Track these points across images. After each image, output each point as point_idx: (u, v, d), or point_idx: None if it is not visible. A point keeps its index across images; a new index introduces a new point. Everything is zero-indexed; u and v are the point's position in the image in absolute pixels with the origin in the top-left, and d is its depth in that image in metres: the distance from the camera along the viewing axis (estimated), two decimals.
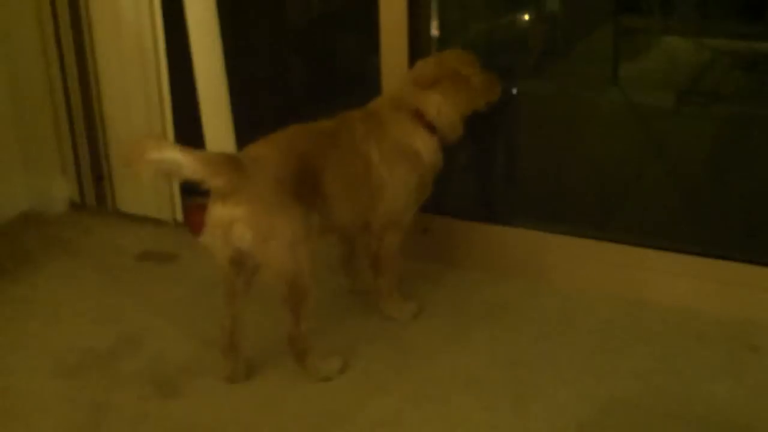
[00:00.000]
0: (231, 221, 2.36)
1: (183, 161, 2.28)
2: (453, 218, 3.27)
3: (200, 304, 2.96)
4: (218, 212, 2.38)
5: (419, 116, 2.72)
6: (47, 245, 3.48)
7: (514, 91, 3.38)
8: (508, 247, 3.17)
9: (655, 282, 2.96)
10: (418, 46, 3.15)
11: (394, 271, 2.85)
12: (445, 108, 2.73)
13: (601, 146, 3.46)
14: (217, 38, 3.19)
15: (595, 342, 2.77)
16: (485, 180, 3.60)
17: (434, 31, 3.36)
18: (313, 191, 2.47)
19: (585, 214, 3.32)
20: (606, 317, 2.91)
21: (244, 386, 2.52)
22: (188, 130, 3.35)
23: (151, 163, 2.27)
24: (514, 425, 2.41)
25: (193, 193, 2.85)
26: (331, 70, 3.87)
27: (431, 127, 2.74)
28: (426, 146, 2.73)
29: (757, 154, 3.22)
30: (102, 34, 3.38)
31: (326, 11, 3.98)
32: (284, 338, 2.53)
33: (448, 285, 3.13)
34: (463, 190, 3.55)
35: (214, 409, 2.47)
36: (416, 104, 2.73)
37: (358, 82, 3.65)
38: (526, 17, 3.65)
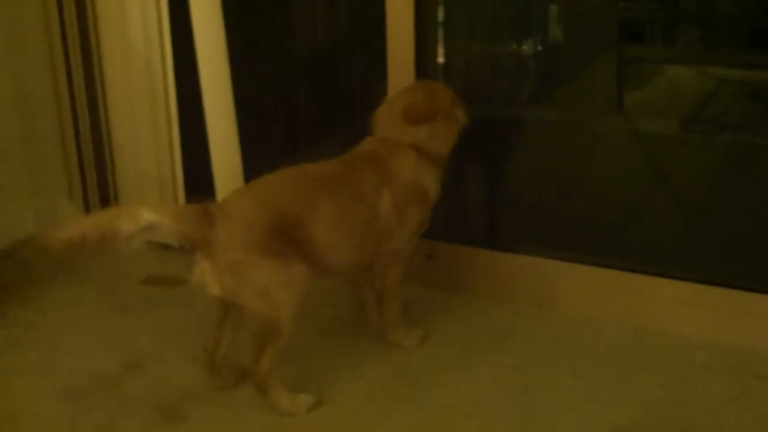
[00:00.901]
0: (202, 272, 2.40)
1: (160, 221, 2.31)
2: (458, 244, 3.28)
3: (206, 329, 2.95)
4: (197, 259, 2.42)
5: (420, 151, 2.69)
6: (53, 269, 3.48)
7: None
8: (513, 273, 3.17)
9: (661, 310, 2.96)
10: (424, 73, 3.17)
11: (398, 301, 2.84)
12: (436, 141, 2.72)
13: (606, 173, 3.46)
14: (225, 62, 3.20)
15: (601, 369, 2.77)
16: (490, 206, 3.61)
17: (440, 59, 3.38)
18: (293, 243, 2.43)
19: (590, 242, 3.32)
20: (612, 345, 2.91)
21: (249, 412, 2.51)
22: (195, 154, 3.37)
23: (129, 235, 2.28)
24: None
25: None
26: (338, 95, 3.89)
27: (432, 160, 2.72)
28: (432, 182, 2.72)
29: (761, 183, 3.23)
30: (111, 58, 3.40)
31: (333, 37, 4.00)
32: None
33: (453, 312, 3.13)
34: (468, 217, 3.55)
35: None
36: (411, 141, 2.69)
37: (365, 107, 3.67)
38: (530, 45, 3.67)
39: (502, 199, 3.61)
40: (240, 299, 2.42)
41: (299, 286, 2.44)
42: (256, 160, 3.34)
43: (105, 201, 3.63)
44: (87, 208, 3.68)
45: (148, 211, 2.31)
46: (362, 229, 2.59)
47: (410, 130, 2.70)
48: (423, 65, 3.16)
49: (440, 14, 3.33)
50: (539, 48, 3.68)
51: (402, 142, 2.69)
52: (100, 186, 3.62)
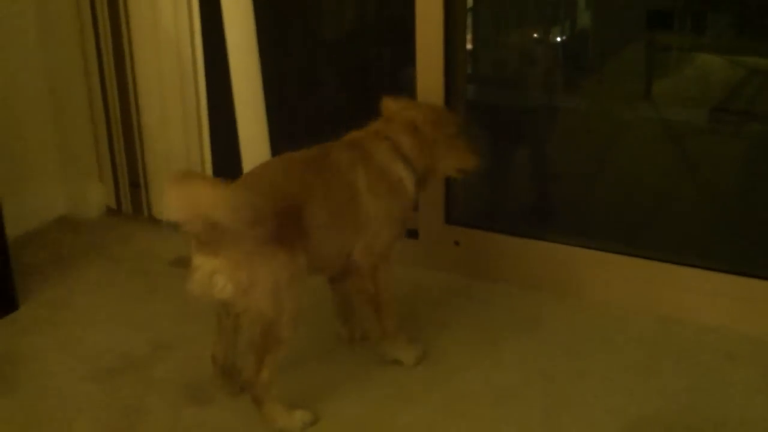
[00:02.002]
0: (211, 272, 2.28)
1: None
2: (484, 231, 3.28)
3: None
4: (198, 262, 2.29)
5: (397, 149, 2.63)
6: (84, 250, 3.53)
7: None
8: (540, 261, 3.18)
9: (687, 300, 2.96)
10: (453, 59, 3.17)
11: (394, 309, 2.70)
12: (416, 151, 2.64)
13: (633, 162, 3.46)
14: (254, 49, 3.22)
15: (627, 359, 2.78)
16: (517, 194, 3.62)
17: (468, 45, 3.38)
18: (296, 230, 2.38)
19: (618, 230, 3.32)
20: (637, 334, 2.91)
21: (279, 395, 2.50)
22: (224, 138, 3.39)
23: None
24: None
25: None
26: (366, 81, 3.89)
27: (408, 162, 2.64)
28: (407, 176, 2.64)
29: None
30: (141, 43, 3.42)
31: (362, 24, 4.01)
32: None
33: (479, 298, 3.14)
34: (495, 204, 3.56)
35: (246, 416, 2.48)
36: (393, 138, 2.63)
37: (393, 94, 3.68)
38: (559, 32, 3.66)
39: (529, 186, 3.62)
40: (248, 300, 2.31)
41: (299, 282, 2.37)
42: (284, 144, 3.35)
43: (135, 184, 3.66)
44: (117, 191, 3.72)
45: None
46: (345, 206, 2.52)
47: (394, 131, 2.64)
48: (452, 51, 3.16)
49: (469, 1, 3.33)
50: (568, 35, 3.67)
51: (381, 133, 2.64)
52: (129, 169, 3.65)
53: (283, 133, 3.43)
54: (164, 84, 3.42)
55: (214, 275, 2.28)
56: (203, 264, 2.28)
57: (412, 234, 3.20)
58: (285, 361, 2.44)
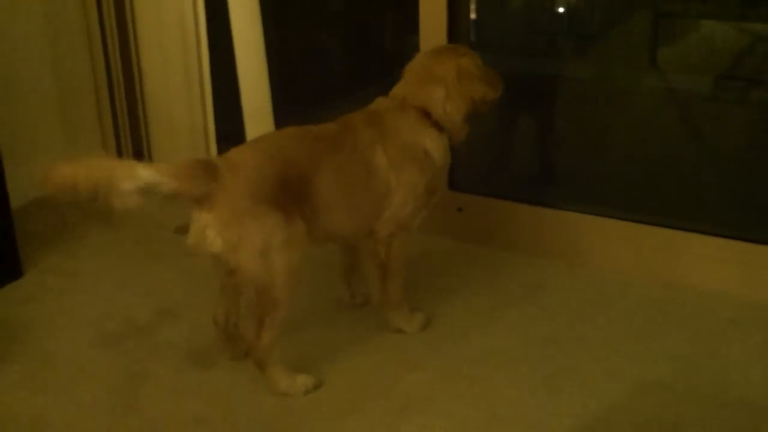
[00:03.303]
0: (204, 227, 2.30)
1: (160, 179, 2.20)
2: (488, 198, 3.28)
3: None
4: (195, 217, 2.32)
5: (426, 115, 2.59)
6: (88, 218, 3.53)
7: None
8: (543, 228, 3.18)
9: (691, 265, 2.96)
10: (457, 28, 3.16)
11: (401, 277, 2.69)
12: (449, 105, 2.59)
13: (638, 129, 3.45)
14: (257, 17, 3.21)
15: (629, 324, 2.78)
16: (521, 160, 3.61)
17: (472, 14, 3.37)
18: (297, 199, 2.36)
19: (621, 197, 3.32)
20: (640, 300, 2.92)
21: (281, 358, 2.51)
22: (227, 108, 3.39)
23: (127, 193, 2.17)
24: (546, 403, 2.42)
25: None
26: (370, 50, 3.88)
27: (438, 126, 2.60)
28: (435, 145, 2.59)
29: None
30: (144, 13, 3.41)
31: None
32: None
33: (483, 264, 3.15)
34: (498, 170, 3.56)
35: (251, 380, 2.50)
36: (421, 102, 2.59)
37: (396, 62, 3.67)
38: (564, 0, 3.64)
39: (532, 152, 3.61)
40: (238, 258, 2.31)
41: (297, 248, 2.36)
42: (287, 110, 3.36)
43: (138, 153, 3.66)
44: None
45: (145, 169, 2.21)
46: (360, 188, 2.50)
47: (422, 90, 2.60)
48: (456, 20, 3.15)
49: None
50: (572, 2, 3.66)
51: (408, 102, 2.60)
52: (133, 137, 3.65)
53: (286, 101, 3.43)
54: (167, 54, 3.41)
55: (206, 229, 2.30)
56: (198, 218, 2.31)
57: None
58: (287, 326, 2.45)
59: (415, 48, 3.16)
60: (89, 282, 3.10)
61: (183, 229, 2.35)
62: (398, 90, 2.65)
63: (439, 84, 2.59)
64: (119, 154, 3.72)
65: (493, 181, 3.34)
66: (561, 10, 3.65)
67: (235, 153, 2.40)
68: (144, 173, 2.19)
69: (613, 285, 3.00)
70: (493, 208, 3.26)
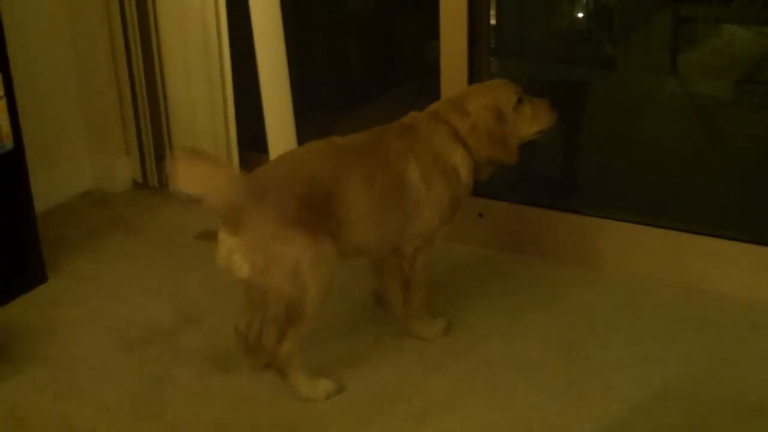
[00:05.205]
0: (230, 251, 2.31)
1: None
2: (508, 203, 3.28)
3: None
4: (221, 239, 2.34)
5: (456, 134, 2.59)
6: (111, 223, 3.56)
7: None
8: (564, 233, 3.18)
9: (712, 270, 2.95)
10: (477, 34, 3.17)
11: (424, 290, 2.69)
12: (473, 142, 2.59)
13: (658, 134, 3.45)
14: (279, 21, 3.22)
15: (651, 328, 2.78)
16: (542, 165, 3.61)
17: (492, 20, 3.37)
18: (325, 215, 2.36)
19: (641, 201, 3.32)
20: (661, 304, 2.91)
21: (303, 363, 2.51)
22: (249, 111, 3.41)
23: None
24: (567, 408, 2.43)
25: None
26: (390, 54, 3.90)
27: (467, 146, 2.60)
28: (464, 163, 2.59)
29: None
30: (167, 17, 3.43)
31: None
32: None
33: (503, 269, 3.15)
34: (518, 176, 3.56)
35: (273, 384, 2.51)
36: (451, 122, 2.59)
37: (417, 68, 3.69)
38: (584, 5, 3.65)
39: (553, 158, 3.61)
40: (268, 280, 2.34)
41: (328, 266, 2.36)
42: (309, 117, 3.37)
43: (161, 158, 3.68)
44: (143, 165, 3.74)
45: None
46: (391, 198, 2.49)
47: (455, 114, 2.60)
48: (476, 25, 3.15)
49: None
50: (593, 8, 3.66)
51: (440, 116, 2.61)
52: (155, 143, 3.67)
53: (308, 107, 3.45)
54: (190, 58, 3.43)
55: (232, 254, 2.31)
56: (224, 241, 2.33)
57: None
58: (309, 332, 2.46)
59: (436, 53, 3.18)
60: (113, 287, 3.12)
61: (206, 236, 2.37)
62: (433, 106, 2.67)
63: (470, 118, 2.59)
64: (142, 160, 3.74)
65: (514, 187, 3.34)
66: (580, 15, 3.66)
67: (259, 174, 2.41)
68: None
69: (634, 290, 2.99)
70: (514, 213, 3.26)
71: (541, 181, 3.58)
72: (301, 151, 2.57)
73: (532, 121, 2.67)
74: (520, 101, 2.65)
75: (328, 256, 2.36)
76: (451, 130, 2.58)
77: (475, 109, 2.60)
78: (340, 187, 2.40)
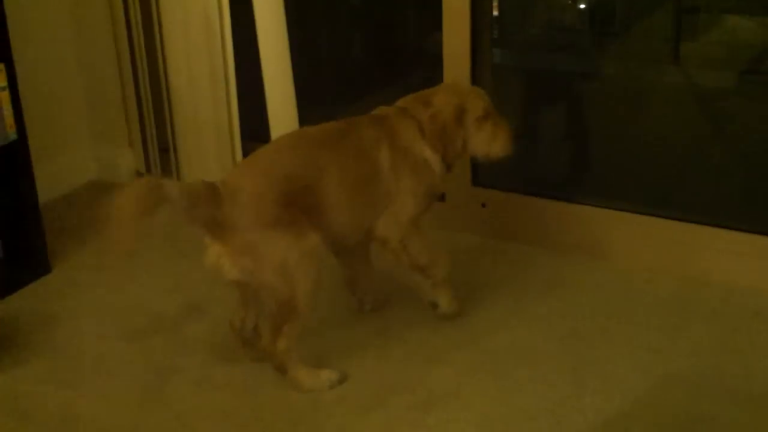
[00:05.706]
0: (217, 256, 2.35)
1: (171, 193, 2.27)
2: (511, 193, 3.29)
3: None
4: (207, 243, 2.37)
5: (422, 129, 2.58)
6: None
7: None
8: (567, 223, 3.18)
9: (715, 260, 2.95)
10: (479, 25, 3.16)
11: (441, 263, 2.68)
12: (434, 140, 2.58)
13: (661, 125, 3.45)
14: (281, 11, 3.22)
15: (653, 318, 2.78)
16: (544, 155, 3.62)
17: (495, 11, 3.37)
18: (305, 209, 2.38)
19: (644, 191, 3.32)
20: (665, 294, 2.92)
21: (306, 354, 2.53)
22: (252, 101, 3.41)
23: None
24: (571, 397, 2.43)
25: None
26: (392, 45, 3.89)
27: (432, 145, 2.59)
28: (433, 156, 2.59)
29: None
30: (169, 8, 3.43)
31: None
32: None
33: (507, 259, 3.16)
34: (521, 166, 3.56)
35: (276, 374, 2.50)
36: (417, 116, 2.59)
37: (420, 60, 3.68)
38: None
39: (555, 148, 3.61)
40: (259, 280, 2.37)
41: (315, 259, 2.38)
42: (312, 109, 3.37)
43: (164, 149, 3.69)
44: (146, 156, 3.75)
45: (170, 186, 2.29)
46: (365, 184, 2.50)
47: (422, 111, 2.59)
48: (478, 16, 3.15)
49: None
50: None
51: (408, 112, 2.60)
52: (159, 134, 3.68)
53: (310, 95, 3.44)
54: (191, 49, 3.43)
55: (220, 258, 2.35)
56: (210, 245, 2.36)
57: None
58: (312, 322, 2.48)
59: (439, 45, 3.18)
60: (117, 277, 3.13)
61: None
62: (401, 101, 2.68)
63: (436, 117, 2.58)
64: (145, 151, 3.74)
65: (516, 177, 3.34)
66: (583, 6, 3.65)
67: (233, 178, 2.42)
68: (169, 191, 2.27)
69: (637, 280, 3.00)
70: (516, 203, 3.27)
71: (543, 172, 3.57)
72: (272, 149, 2.56)
73: (489, 141, 2.64)
74: (485, 117, 2.63)
75: (314, 250, 2.38)
76: (418, 125, 2.59)
77: (440, 103, 2.60)
78: (316, 178, 2.42)
